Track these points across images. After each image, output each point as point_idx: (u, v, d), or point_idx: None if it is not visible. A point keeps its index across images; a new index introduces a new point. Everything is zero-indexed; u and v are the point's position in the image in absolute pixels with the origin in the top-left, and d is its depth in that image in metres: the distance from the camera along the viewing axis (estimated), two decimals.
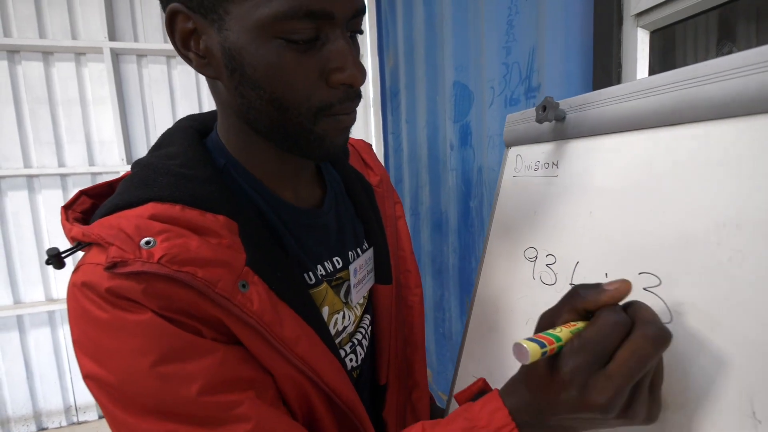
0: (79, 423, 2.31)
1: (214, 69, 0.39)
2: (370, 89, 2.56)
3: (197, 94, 2.40)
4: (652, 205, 0.38)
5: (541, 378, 0.31)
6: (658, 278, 0.35)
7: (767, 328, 0.29)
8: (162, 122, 2.34)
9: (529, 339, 0.29)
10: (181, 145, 0.43)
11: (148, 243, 0.34)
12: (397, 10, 2.15)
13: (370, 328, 0.57)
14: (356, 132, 2.68)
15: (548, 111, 0.49)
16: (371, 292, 0.58)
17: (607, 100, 0.42)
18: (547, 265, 0.49)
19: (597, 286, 0.32)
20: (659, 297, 0.34)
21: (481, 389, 0.50)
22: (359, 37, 0.45)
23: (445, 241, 1.80)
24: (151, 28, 2.31)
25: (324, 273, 0.49)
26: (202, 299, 0.35)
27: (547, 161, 0.52)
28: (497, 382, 0.49)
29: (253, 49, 0.35)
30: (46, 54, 2.19)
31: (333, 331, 0.48)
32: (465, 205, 1.57)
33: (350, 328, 0.52)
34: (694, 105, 0.36)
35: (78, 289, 0.35)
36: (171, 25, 0.38)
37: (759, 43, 0.33)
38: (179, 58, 2.23)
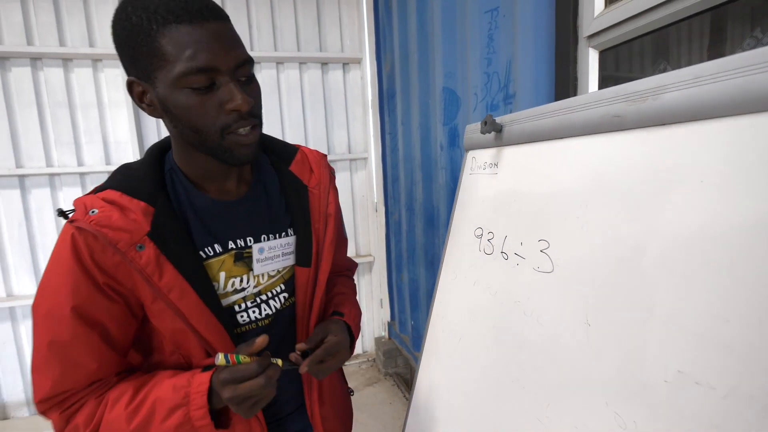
0: None
1: (158, 113, 0.60)
2: (369, 91, 2.71)
3: None
4: (554, 190, 0.53)
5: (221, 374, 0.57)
6: (548, 242, 0.51)
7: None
8: None
9: (226, 355, 0.55)
10: (146, 155, 0.68)
11: (93, 212, 0.56)
12: (393, 20, 2.29)
13: (288, 298, 0.75)
14: (355, 132, 2.83)
15: (488, 125, 0.64)
16: (294, 270, 0.74)
17: (526, 118, 0.58)
18: (488, 240, 0.66)
19: (251, 343, 0.57)
20: (548, 255, 0.50)
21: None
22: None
23: (436, 234, 1.94)
24: None
25: (234, 247, 0.68)
26: (112, 254, 0.57)
27: (491, 162, 0.69)
28: (454, 327, 0.65)
29: (172, 98, 0.56)
30: (66, 60, 2.35)
31: (230, 290, 0.67)
32: (453, 201, 1.72)
33: (252, 290, 0.70)
34: (569, 125, 0.51)
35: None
36: (130, 90, 0.60)
37: (691, 63, 0.50)
38: None
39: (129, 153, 2.45)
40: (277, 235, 0.72)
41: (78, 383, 0.60)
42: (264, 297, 0.71)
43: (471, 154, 0.82)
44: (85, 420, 0.59)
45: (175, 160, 0.67)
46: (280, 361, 0.60)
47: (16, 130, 2.31)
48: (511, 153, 0.66)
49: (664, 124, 0.43)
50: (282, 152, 0.76)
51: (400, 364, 2.71)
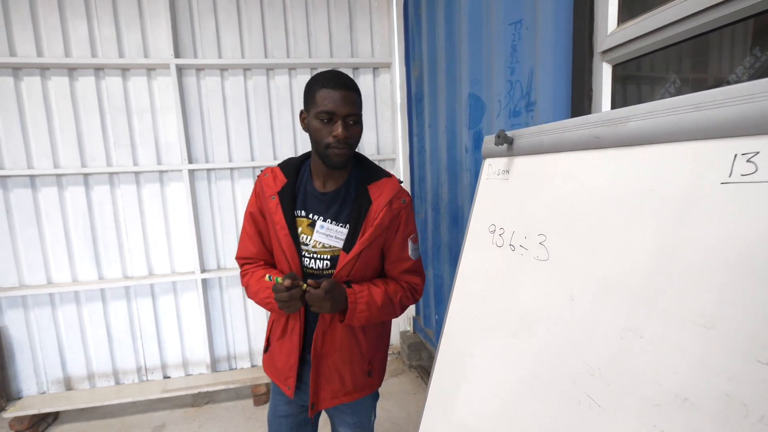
0: (147, 381, 2.74)
1: (307, 130, 1.05)
2: (398, 95, 2.82)
3: (245, 102, 2.74)
4: (552, 194, 0.64)
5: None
6: (545, 236, 0.62)
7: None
8: (217, 126, 2.71)
9: (270, 276, 1.00)
10: (303, 154, 1.17)
11: (266, 175, 1.13)
12: (422, 27, 2.39)
13: (329, 269, 1.08)
14: (384, 134, 2.95)
15: (501, 138, 0.75)
16: (340, 253, 1.07)
17: (532, 134, 0.69)
18: (499, 234, 0.77)
19: (289, 275, 0.97)
20: (544, 246, 0.61)
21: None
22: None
23: (461, 233, 2.03)
24: (207, 45, 2.68)
25: (310, 217, 1.08)
26: (263, 196, 1.10)
27: (503, 169, 0.81)
28: (468, 307, 0.76)
29: (312, 123, 1.01)
30: (124, 70, 2.60)
31: (302, 240, 1.08)
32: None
33: (310, 247, 1.08)
34: (564, 141, 0.61)
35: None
36: (301, 116, 1.08)
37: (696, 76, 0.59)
38: (231, 71, 2.57)
39: (177, 154, 2.68)
40: (335, 222, 1.07)
41: (247, 255, 1.16)
42: (316, 256, 1.07)
43: (488, 161, 0.94)
44: (245, 279, 1.14)
45: (310, 160, 1.12)
46: (304, 285, 0.96)
47: (81, 133, 2.59)
48: (520, 162, 0.79)
49: (630, 145, 0.54)
50: (370, 174, 1.12)
51: (424, 357, 2.82)
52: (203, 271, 2.75)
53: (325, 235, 1.06)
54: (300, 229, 1.07)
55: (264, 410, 2.40)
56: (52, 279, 2.65)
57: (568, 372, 0.57)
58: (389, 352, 3.00)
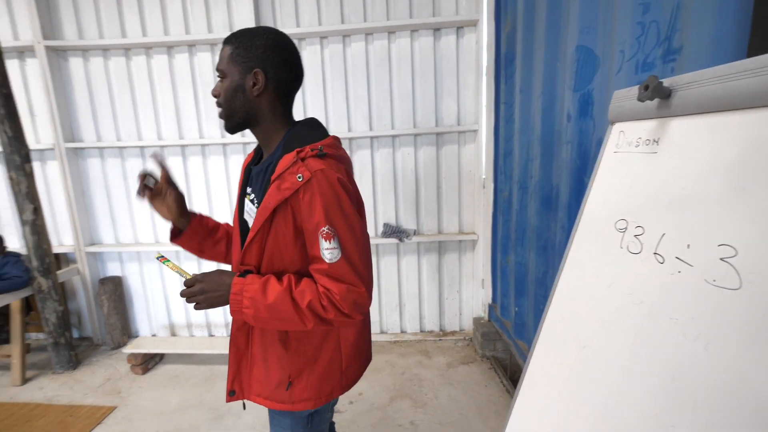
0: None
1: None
2: (484, 56, 2.49)
3: (321, 72, 2.67)
4: (738, 181, 0.38)
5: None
6: (734, 249, 0.36)
7: None
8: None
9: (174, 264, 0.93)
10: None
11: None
12: None
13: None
14: (465, 102, 2.66)
15: (651, 90, 0.48)
16: None
17: (712, 79, 0.41)
18: (635, 235, 0.51)
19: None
20: (732, 266, 0.36)
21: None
22: None
23: (553, 218, 1.73)
24: (286, 16, 2.63)
25: (250, 194, 0.96)
26: None
27: (648, 138, 0.53)
28: (576, 333, 0.55)
29: None
30: (213, 45, 2.70)
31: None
32: (579, 181, 1.49)
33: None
34: None
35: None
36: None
37: None
38: (308, 40, 2.46)
39: None
40: (255, 202, 0.92)
41: None
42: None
43: (618, 126, 0.65)
44: None
45: None
46: (187, 275, 0.90)
47: (179, 107, 2.79)
48: (680, 126, 0.49)
49: None
50: (290, 143, 0.88)
51: (500, 349, 2.60)
52: None
53: (250, 216, 0.93)
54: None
55: None
56: (158, 238, 2.99)
57: None
58: (461, 338, 2.84)
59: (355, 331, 0.98)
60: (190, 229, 1.05)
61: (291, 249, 0.86)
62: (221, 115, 0.90)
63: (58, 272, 2.73)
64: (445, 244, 2.85)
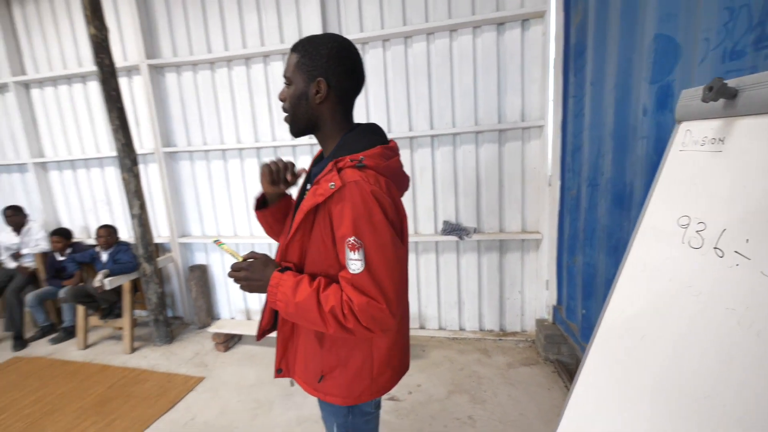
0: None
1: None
2: (551, 48, 2.39)
3: (383, 74, 2.76)
4: None
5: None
6: None
7: None
8: (357, 101, 2.83)
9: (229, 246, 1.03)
10: None
11: None
12: None
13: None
14: (530, 97, 2.58)
15: (715, 92, 0.48)
16: None
17: None
18: (696, 231, 0.53)
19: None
20: None
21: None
22: None
23: (626, 217, 1.64)
24: (351, 21, 2.75)
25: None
26: None
27: (714, 137, 0.53)
28: (636, 324, 0.57)
29: None
30: (284, 54, 2.92)
31: None
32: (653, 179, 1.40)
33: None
34: None
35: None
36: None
37: None
38: (371, 44, 2.58)
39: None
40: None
41: None
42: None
43: (685, 125, 0.65)
44: None
45: None
46: (240, 258, 0.97)
47: (254, 113, 3.07)
48: (746, 126, 0.50)
49: None
50: (336, 151, 0.92)
51: (564, 352, 2.50)
52: None
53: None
54: None
55: None
56: (236, 231, 3.32)
57: None
58: (522, 338, 2.78)
59: (388, 340, 0.98)
60: (274, 207, 1.09)
61: (329, 252, 0.89)
62: (287, 120, 0.95)
63: (158, 259, 3.16)
64: (507, 243, 2.80)
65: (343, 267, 0.85)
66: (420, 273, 2.98)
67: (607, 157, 1.78)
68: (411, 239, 2.87)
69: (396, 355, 1.01)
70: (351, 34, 2.72)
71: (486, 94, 2.63)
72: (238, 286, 0.95)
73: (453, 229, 2.80)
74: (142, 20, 3.04)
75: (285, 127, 3.01)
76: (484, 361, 2.59)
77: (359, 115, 2.85)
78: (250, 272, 0.93)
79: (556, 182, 2.50)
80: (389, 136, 2.80)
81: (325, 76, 0.89)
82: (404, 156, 2.82)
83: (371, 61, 2.77)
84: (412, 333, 3.02)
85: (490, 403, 2.16)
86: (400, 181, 0.95)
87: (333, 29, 2.79)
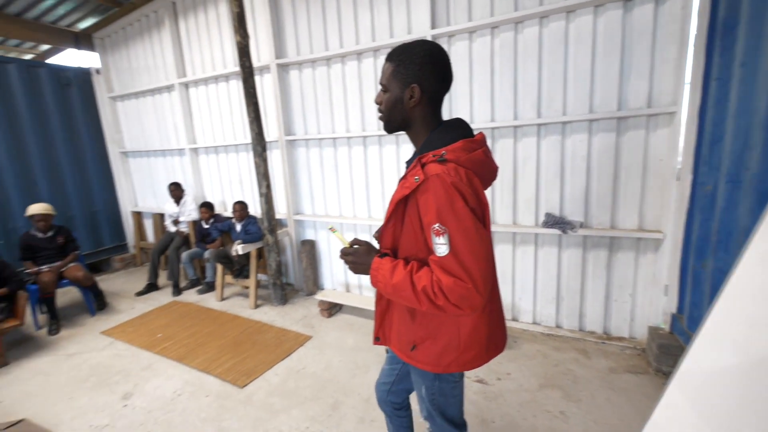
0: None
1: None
2: (692, 23, 2.11)
3: (490, 63, 2.74)
4: None
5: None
6: None
7: None
8: (461, 90, 2.85)
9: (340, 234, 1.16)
10: None
11: None
12: None
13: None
14: (660, 80, 2.31)
15: None
16: None
17: None
18: None
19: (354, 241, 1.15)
20: None
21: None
22: None
23: None
24: (460, 11, 2.77)
25: None
26: None
27: None
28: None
29: None
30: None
31: None
32: None
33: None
34: None
35: None
36: None
37: None
38: (479, 32, 2.56)
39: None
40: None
41: None
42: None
43: None
44: None
45: None
46: (347, 244, 1.13)
47: (363, 105, 3.31)
48: None
49: None
50: (425, 146, 1.02)
51: None
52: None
53: None
54: None
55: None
56: (342, 212, 3.67)
57: None
58: (629, 345, 2.57)
59: (473, 320, 1.06)
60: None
61: (419, 238, 1.00)
62: (381, 119, 1.09)
63: (278, 232, 3.68)
64: (619, 240, 2.59)
65: (431, 251, 0.95)
66: (516, 265, 2.94)
67: (755, 150, 1.55)
68: (509, 230, 2.84)
69: (483, 333, 1.08)
70: (459, 23, 2.75)
71: (605, 79, 2.43)
72: (347, 266, 1.13)
73: (556, 221, 2.69)
74: (274, 26, 3.50)
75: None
76: (583, 361, 2.47)
77: (462, 105, 2.88)
78: (356, 257, 1.10)
79: (687, 176, 2.22)
80: (491, 125, 2.79)
81: (418, 82, 0.99)
82: (507, 145, 2.77)
83: (478, 49, 2.77)
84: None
85: (585, 403, 2.08)
86: (484, 171, 1.01)
87: (441, 21, 2.85)
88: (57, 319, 3.42)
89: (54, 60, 5.78)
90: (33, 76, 4.39)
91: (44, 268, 3.49)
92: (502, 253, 2.96)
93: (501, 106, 2.78)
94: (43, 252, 3.54)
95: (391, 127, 1.08)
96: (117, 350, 2.99)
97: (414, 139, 1.09)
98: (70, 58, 6.01)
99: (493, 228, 2.81)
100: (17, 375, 2.73)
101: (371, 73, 3.21)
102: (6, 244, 4.14)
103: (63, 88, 4.68)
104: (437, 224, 0.92)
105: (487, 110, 2.83)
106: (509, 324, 3.00)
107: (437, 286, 0.93)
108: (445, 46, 2.87)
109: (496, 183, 2.87)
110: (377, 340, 1.24)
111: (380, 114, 1.08)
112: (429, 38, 2.82)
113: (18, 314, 3.02)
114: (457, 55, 2.85)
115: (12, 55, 5.76)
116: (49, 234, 3.56)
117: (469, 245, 0.91)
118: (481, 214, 0.96)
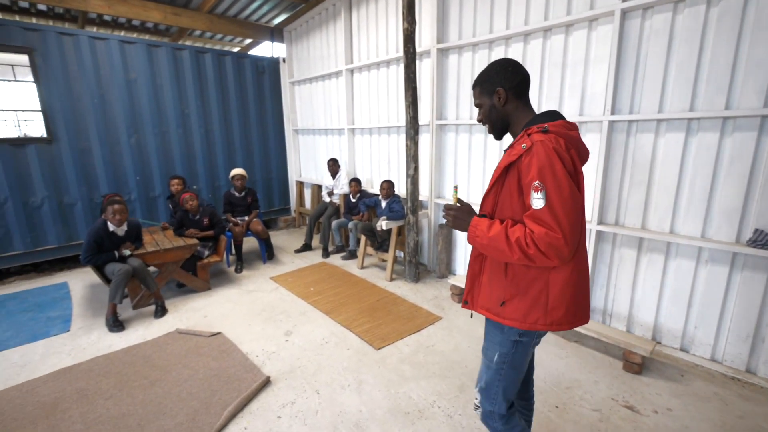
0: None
1: None
2: None
3: (700, 38, 2.24)
4: None
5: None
6: None
7: None
8: (652, 73, 2.43)
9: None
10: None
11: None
12: None
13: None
14: None
15: None
16: None
17: None
18: None
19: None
20: None
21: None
22: None
23: None
24: None
25: None
26: None
27: None
28: None
29: None
30: (568, 26, 2.80)
31: None
32: None
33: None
34: None
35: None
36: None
37: None
38: (688, 3, 2.14)
39: (600, 105, 2.69)
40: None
41: None
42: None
43: None
44: None
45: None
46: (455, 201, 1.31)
47: None
48: None
49: None
50: (527, 124, 1.20)
51: None
52: (599, 223, 2.78)
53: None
54: None
55: (634, 380, 2.28)
56: (469, 198, 3.60)
57: None
58: None
59: (563, 277, 1.15)
60: None
61: (515, 201, 1.15)
62: (488, 131, 1.33)
63: (419, 213, 3.85)
64: None
65: (526, 208, 1.11)
66: (697, 286, 2.44)
67: None
68: (693, 243, 2.36)
69: (570, 293, 1.16)
70: None
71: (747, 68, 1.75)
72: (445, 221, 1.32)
73: None
74: (439, 11, 3.56)
75: (552, 104, 2.95)
76: None
77: (653, 92, 2.46)
78: (459, 213, 1.27)
79: None
80: (692, 114, 2.30)
81: (500, 85, 1.23)
82: (677, 140, 2.27)
83: (684, 22, 2.30)
84: (668, 352, 2.57)
85: None
86: (579, 147, 1.18)
87: None
88: (242, 262, 4.34)
89: (253, 52, 7.11)
90: (240, 66, 5.50)
91: (238, 220, 4.46)
92: (678, 269, 2.49)
93: (707, 92, 2.27)
94: (238, 207, 4.51)
95: (496, 132, 1.30)
96: (281, 295, 3.64)
97: (514, 133, 1.27)
98: (264, 49, 7.30)
99: (673, 239, 2.45)
100: (216, 299, 3.59)
101: (538, 57, 2.99)
102: (213, 197, 5.40)
103: (259, 75, 5.73)
104: (537, 181, 1.06)
105: (687, 98, 2.35)
106: (676, 354, 2.54)
107: (530, 237, 1.07)
108: (638, 21, 2.48)
109: (683, 185, 2.41)
110: (465, 303, 1.36)
111: (486, 127, 1.32)
112: (619, 12, 2.47)
113: (219, 252, 3.94)
114: (652, 30, 2.42)
115: (226, 48, 7.30)
116: (243, 194, 4.49)
117: (562, 201, 1.05)
118: (576, 179, 1.12)
